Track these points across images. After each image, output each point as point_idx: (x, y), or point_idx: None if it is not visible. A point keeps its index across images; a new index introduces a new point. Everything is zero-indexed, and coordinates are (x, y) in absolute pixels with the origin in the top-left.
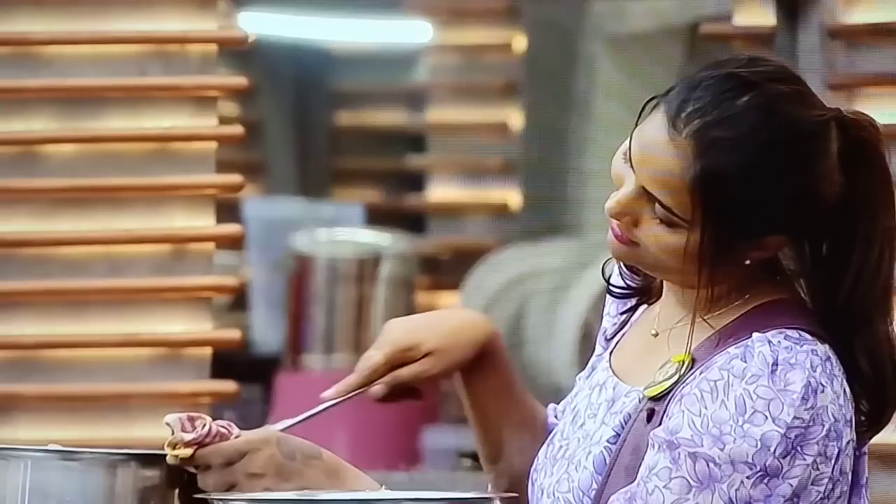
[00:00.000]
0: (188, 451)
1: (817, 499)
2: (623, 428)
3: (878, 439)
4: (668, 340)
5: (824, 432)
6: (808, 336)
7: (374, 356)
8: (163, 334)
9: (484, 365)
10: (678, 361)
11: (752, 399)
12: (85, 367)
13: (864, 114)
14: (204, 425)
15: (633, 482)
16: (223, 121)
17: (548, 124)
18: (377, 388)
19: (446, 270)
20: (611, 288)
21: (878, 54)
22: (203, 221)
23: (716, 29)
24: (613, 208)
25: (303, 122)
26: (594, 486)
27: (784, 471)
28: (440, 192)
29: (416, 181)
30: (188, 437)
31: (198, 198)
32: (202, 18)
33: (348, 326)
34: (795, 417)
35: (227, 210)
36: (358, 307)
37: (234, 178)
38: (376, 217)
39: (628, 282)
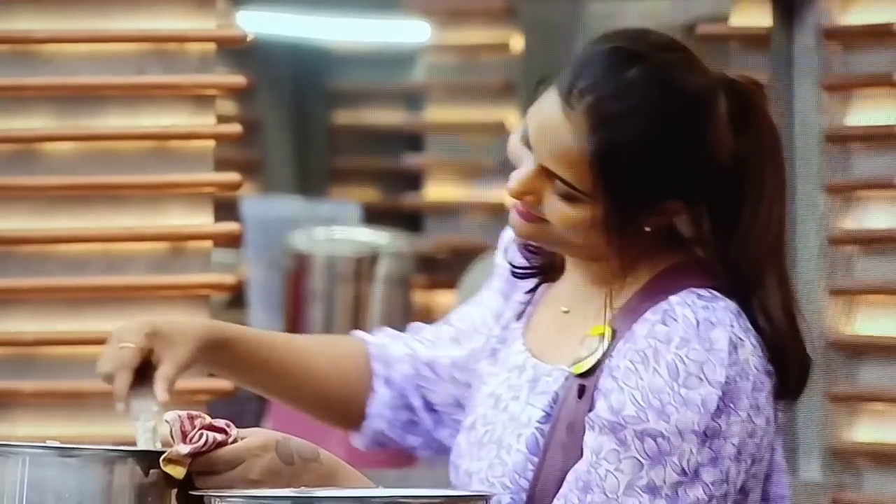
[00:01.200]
0: (182, 471)
1: (755, 451)
2: (553, 407)
3: (870, 438)
4: (580, 316)
5: (751, 385)
6: (717, 294)
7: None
8: None
9: (226, 357)
10: (599, 334)
11: (683, 363)
12: (83, 364)
13: (749, 77)
14: (201, 435)
15: (571, 460)
16: (221, 119)
17: None
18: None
19: (443, 269)
20: (514, 270)
21: (873, 56)
22: (201, 219)
23: (712, 30)
24: (514, 188)
25: (301, 121)
26: (530, 467)
27: (723, 430)
28: (437, 191)
29: (413, 180)
30: (185, 449)
31: (196, 196)
32: (201, 17)
33: (346, 324)
34: (727, 376)
35: (225, 208)
36: (355, 305)
37: (233, 176)
38: (374, 216)
39: (531, 262)
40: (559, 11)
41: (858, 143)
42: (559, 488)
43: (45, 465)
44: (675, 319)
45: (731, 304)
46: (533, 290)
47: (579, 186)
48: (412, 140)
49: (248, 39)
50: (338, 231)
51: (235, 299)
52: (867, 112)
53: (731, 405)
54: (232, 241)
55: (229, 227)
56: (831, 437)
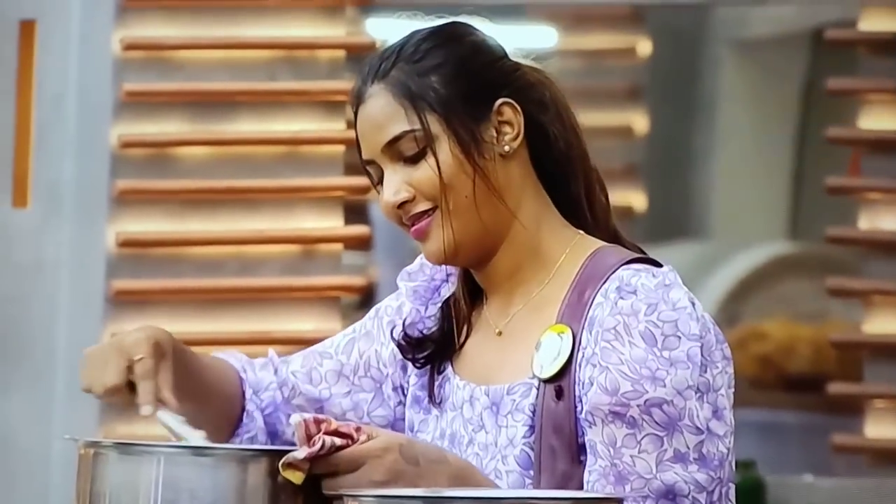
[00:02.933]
0: (301, 476)
1: (732, 402)
2: (533, 419)
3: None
4: (515, 331)
5: (713, 336)
6: (650, 261)
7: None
8: (293, 333)
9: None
10: (559, 332)
11: (658, 326)
12: None
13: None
14: (320, 440)
15: (564, 462)
16: (351, 125)
17: (672, 128)
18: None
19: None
20: (410, 359)
21: None
22: (332, 222)
23: (840, 34)
24: (386, 202)
25: None
26: (528, 482)
27: (711, 383)
28: None
29: None
30: (301, 454)
31: (326, 199)
32: (331, 24)
33: None
34: (700, 329)
35: (355, 211)
36: None
37: (362, 180)
38: None
39: (423, 346)
40: (686, 16)
41: None
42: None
43: (180, 465)
44: (632, 292)
45: (669, 267)
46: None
47: (414, 126)
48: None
49: (378, 46)
50: None
51: (365, 300)
52: None
53: (708, 357)
54: (362, 244)
55: (359, 229)
56: None
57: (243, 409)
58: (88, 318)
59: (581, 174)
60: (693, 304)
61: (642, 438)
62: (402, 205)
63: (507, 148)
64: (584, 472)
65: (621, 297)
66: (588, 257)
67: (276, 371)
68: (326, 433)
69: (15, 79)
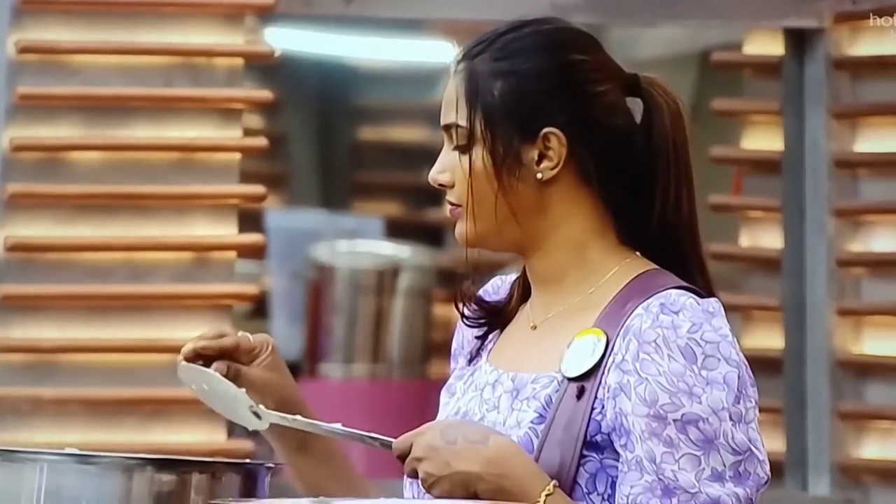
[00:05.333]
0: None
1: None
2: (546, 409)
3: (877, 454)
4: (549, 329)
5: (748, 374)
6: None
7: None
8: (183, 340)
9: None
10: (593, 335)
11: (699, 345)
12: (104, 371)
13: (656, 79)
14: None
15: (567, 457)
16: (247, 133)
17: None
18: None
19: (463, 283)
20: (464, 318)
21: (880, 85)
22: (225, 230)
23: (726, 57)
24: (431, 176)
25: (326, 136)
26: None
27: (744, 415)
28: None
29: (434, 195)
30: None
31: (221, 207)
32: (229, 32)
33: (367, 336)
34: (739, 359)
35: (250, 220)
36: (377, 318)
37: (257, 188)
38: (396, 230)
39: (481, 310)
40: None
41: (866, 169)
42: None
43: (64, 473)
44: (675, 310)
45: (716, 298)
46: (482, 337)
47: (461, 122)
48: (434, 156)
49: (276, 55)
50: (360, 244)
51: (258, 310)
52: (874, 139)
53: (743, 390)
54: (255, 253)
55: (253, 238)
56: (840, 453)
57: None
58: None
59: (659, 205)
60: (733, 340)
61: (680, 457)
62: (440, 184)
63: (539, 175)
64: (576, 472)
65: (663, 313)
66: (637, 276)
67: None
68: None
69: None
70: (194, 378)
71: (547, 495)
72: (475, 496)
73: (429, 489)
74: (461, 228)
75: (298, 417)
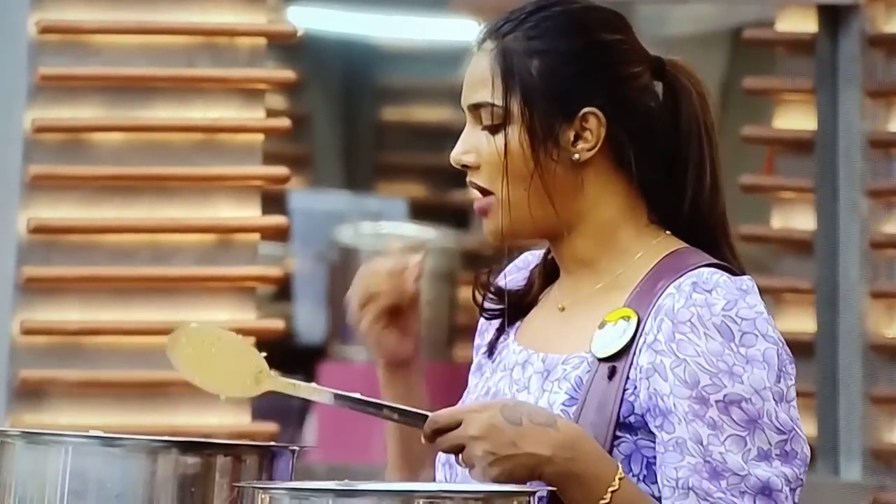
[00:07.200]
0: None
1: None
2: (577, 391)
3: (877, 440)
4: (580, 309)
5: (786, 351)
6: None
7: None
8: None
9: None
10: (622, 317)
11: (735, 323)
12: (128, 353)
13: (680, 62)
14: None
15: (599, 438)
16: (270, 113)
17: None
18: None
19: (488, 265)
20: (482, 310)
21: None
22: (249, 212)
23: (758, 34)
24: (455, 157)
25: (349, 117)
26: None
27: (785, 394)
28: None
29: (460, 177)
30: None
31: (244, 188)
32: (252, 12)
33: None
34: (776, 335)
35: (273, 201)
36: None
37: (281, 170)
38: (420, 211)
39: (498, 302)
40: None
41: None
42: None
43: (88, 455)
44: (708, 289)
45: (749, 276)
46: (500, 328)
47: (497, 101)
48: (459, 137)
49: (299, 35)
50: (384, 226)
51: (281, 292)
52: None
53: (783, 368)
54: (279, 235)
55: (276, 220)
56: (872, 438)
57: None
58: None
59: (692, 187)
60: (768, 316)
61: (725, 439)
62: (464, 165)
63: (576, 156)
64: (610, 453)
65: (696, 291)
66: (668, 255)
67: None
68: None
69: None
70: (192, 340)
71: (620, 479)
72: (539, 479)
73: (486, 468)
74: (495, 224)
75: (314, 385)
